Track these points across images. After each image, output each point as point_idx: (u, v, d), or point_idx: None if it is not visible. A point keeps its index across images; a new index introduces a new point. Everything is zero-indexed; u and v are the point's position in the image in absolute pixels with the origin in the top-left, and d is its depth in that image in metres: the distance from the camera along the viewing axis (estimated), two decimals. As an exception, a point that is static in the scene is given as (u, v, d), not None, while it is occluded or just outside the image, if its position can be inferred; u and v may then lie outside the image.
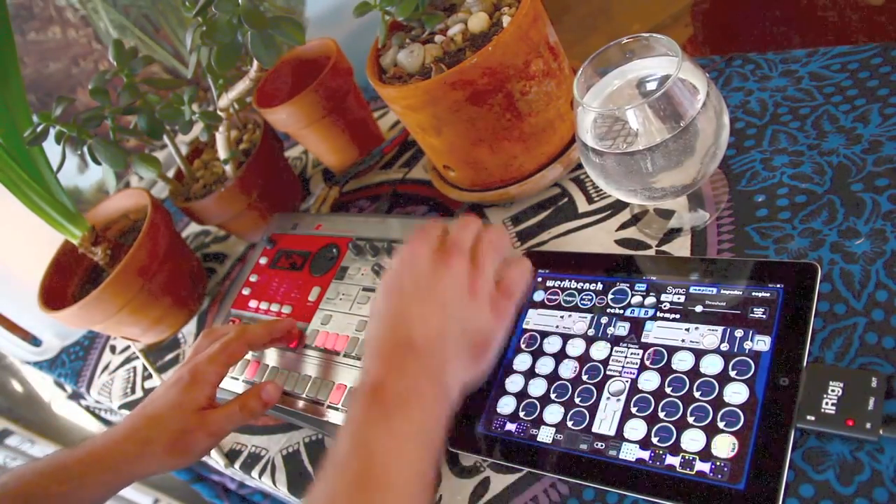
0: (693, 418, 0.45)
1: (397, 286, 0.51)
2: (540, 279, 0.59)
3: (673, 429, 0.45)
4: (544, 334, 0.55)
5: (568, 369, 0.52)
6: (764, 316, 0.46)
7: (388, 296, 0.51)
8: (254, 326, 0.62)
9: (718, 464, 0.42)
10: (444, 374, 0.47)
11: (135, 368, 0.87)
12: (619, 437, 0.46)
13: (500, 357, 0.55)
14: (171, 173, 0.88)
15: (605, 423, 0.48)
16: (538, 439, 0.49)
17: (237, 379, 0.68)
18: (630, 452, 0.45)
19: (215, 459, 0.67)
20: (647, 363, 0.49)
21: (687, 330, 0.49)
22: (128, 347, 0.91)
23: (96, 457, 0.55)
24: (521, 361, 0.54)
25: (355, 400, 0.46)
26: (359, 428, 0.44)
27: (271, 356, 0.68)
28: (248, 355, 0.69)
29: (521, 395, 0.52)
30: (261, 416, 0.60)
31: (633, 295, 0.53)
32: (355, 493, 0.40)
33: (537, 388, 0.52)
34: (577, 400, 0.50)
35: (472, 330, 0.49)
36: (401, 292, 0.50)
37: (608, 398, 0.49)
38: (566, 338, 0.54)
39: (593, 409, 0.49)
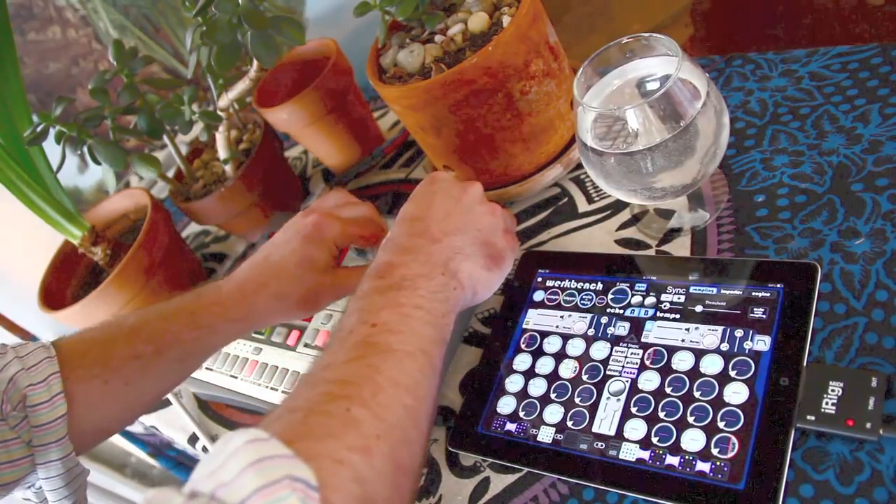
0: (693, 418, 0.45)
1: (426, 192, 0.52)
2: (540, 279, 0.59)
3: (673, 429, 0.45)
4: (544, 334, 0.55)
5: (568, 369, 0.52)
6: (764, 316, 0.46)
7: (415, 199, 0.52)
8: (377, 216, 0.61)
9: (718, 464, 0.42)
10: (456, 263, 0.47)
11: (135, 368, 0.87)
12: (619, 436, 0.46)
13: (500, 357, 0.55)
14: (171, 173, 0.88)
15: (605, 422, 0.48)
16: (538, 439, 0.49)
17: (236, 377, 0.68)
18: (630, 452, 0.45)
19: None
20: (647, 363, 0.49)
21: (687, 330, 0.49)
22: (128, 347, 0.91)
23: (226, 307, 0.55)
24: (521, 361, 0.54)
25: (364, 281, 0.46)
26: (366, 301, 0.44)
27: (271, 356, 0.67)
28: (249, 354, 0.69)
29: (521, 395, 0.52)
30: None
31: (633, 295, 0.53)
32: (357, 356, 0.40)
33: (537, 387, 0.52)
34: (577, 400, 0.50)
35: (486, 238, 0.50)
36: (428, 197, 0.51)
37: (608, 398, 0.49)
38: (566, 338, 0.54)
39: (593, 409, 0.49)
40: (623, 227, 0.60)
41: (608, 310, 0.53)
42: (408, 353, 0.41)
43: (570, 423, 0.49)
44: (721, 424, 0.43)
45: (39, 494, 0.51)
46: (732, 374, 0.45)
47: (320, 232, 0.56)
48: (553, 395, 0.51)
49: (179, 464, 0.97)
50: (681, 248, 0.55)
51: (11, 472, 0.48)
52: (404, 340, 0.41)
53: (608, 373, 0.50)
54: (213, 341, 0.56)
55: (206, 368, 0.71)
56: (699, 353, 0.47)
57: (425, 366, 0.41)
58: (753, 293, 0.48)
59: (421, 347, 0.42)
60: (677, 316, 0.50)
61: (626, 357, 0.50)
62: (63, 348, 0.52)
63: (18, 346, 0.51)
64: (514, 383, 0.53)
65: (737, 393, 0.44)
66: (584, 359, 0.52)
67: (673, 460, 0.44)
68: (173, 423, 0.75)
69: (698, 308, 0.49)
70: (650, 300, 0.52)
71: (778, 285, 0.47)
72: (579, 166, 0.66)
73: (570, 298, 0.56)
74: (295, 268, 0.56)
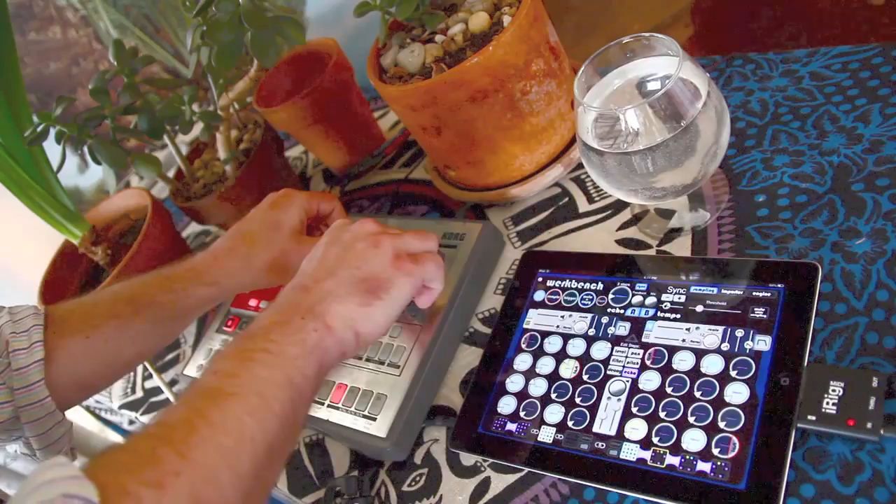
0: (694, 418, 0.45)
1: (319, 244, 0.52)
2: (540, 279, 0.59)
3: (673, 428, 0.45)
4: (545, 334, 0.55)
5: (568, 369, 0.52)
6: (765, 316, 0.46)
7: (309, 260, 0.52)
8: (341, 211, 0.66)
9: (719, 464, 0.42)
10: (324, 306, 0.46)
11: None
12: (620, 436, 0.46)
13: (500, 357, 0.56)
14: (171, 173, 0.88)
15: (605, 422, 0.48)
16: (539, 439, 0.49)
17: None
18: (631, 452, 0.45)
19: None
20: (648, 363, 0.49)
21: (687, 330, 0.49)
22: (128, 347, 0.91)
23: (198, 272, 0.60)
24: (522, 361, 0.54)
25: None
26: (218, 356, 0.45)
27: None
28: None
29: (522, 395, 0.52)
30: None
31: (633, 295, 0.53)
32: (186, 400, 0.41)
33: (538, 387, 0.52)
34: (577, 400, 0.50)
35: (365, 273, 0.49)
36: (318, 248, 0.52)
37: (609, 398, 0.49)
38: (567, 337, 0.54)
39: (594, 409, 0.49)
40: (623, 227, 0.60)
41: (609, 310, 0.53)
42: (236, 395, 0.40)
43: (570, 423, 0.49)
44: (722, 424, 0.43)
45: (29, 445, 0.55)
46: (733, 373, 0.45)
47: (287, 198, 0.62)
48: (554, 395, 0.51)
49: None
50: (681, 248, 0.55)
51: None
52: (237, 383, 0.41)
53: (609, 373, 0.50)
54: (187, 304, 0.60)
55: (207, 368, 0.71)
56: (700, 353, 0.47)
57: (258, 408, 0.41)
58: (754, 293, 0.48)
59: (256, 390, 0.41)
60: (678, 316, 0.50)
61: (626, 357, 0.50)
62: (51, 310, 0.58)
63: (13, 307, 0.58)
64: (514, 383, 0.53)
65: (737, 393, 0.44)
66: (584, 359, 0.52)
67: (673, 460, 0.44)
68: (174, 423, 0.75)
69: (699, 308, 0.49)
70: (651, 300, 0.52)
71: (779, 285, 0.47)
72: (580, 166, 0.66)
73: (571, 298, 0.56)
74: (264, 231, 0.60)
